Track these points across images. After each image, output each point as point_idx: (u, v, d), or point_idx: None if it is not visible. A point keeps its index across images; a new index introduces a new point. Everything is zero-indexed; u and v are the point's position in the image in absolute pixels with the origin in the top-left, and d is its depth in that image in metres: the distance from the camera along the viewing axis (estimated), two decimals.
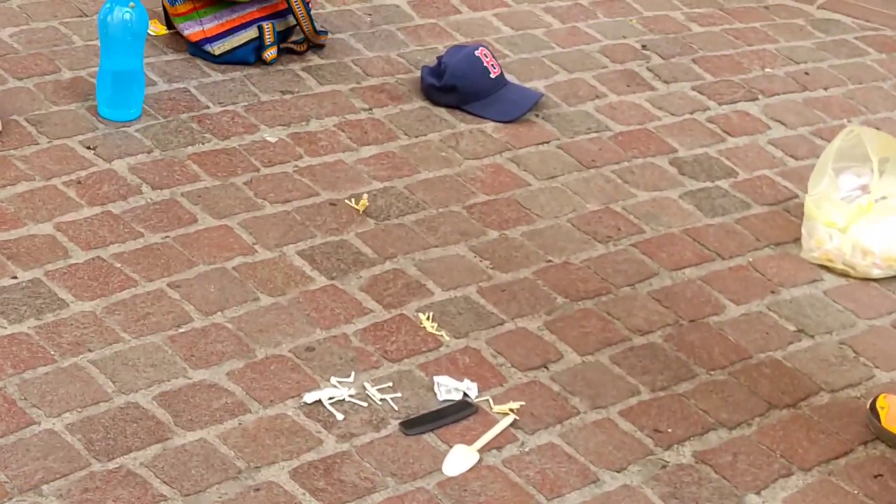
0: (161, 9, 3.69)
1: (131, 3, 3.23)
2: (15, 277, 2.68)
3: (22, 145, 3.15)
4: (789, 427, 2.64)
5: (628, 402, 2.67)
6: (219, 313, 2.70)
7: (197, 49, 3.63)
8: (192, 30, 3.60)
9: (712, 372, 2.77)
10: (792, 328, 2.97)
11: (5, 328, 2.54)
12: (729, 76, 3.97)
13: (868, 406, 2.68)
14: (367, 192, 3.18)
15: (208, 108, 3.44)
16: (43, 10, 3.73)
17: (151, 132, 3.29)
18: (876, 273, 3.12)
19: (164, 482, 2.25)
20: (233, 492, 2.27)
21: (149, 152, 3.21)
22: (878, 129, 3.60)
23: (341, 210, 3.12)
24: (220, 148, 3.28)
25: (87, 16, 3.72)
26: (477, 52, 3.60)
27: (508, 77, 3.69)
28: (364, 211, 3.12)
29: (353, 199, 3.14)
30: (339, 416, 2.49)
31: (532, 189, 3.31)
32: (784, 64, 4.12)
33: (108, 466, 2.25)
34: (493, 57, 3.66)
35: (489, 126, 3.54)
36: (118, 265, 2.78)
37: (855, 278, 3.14)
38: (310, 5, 3.71)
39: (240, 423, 2.45)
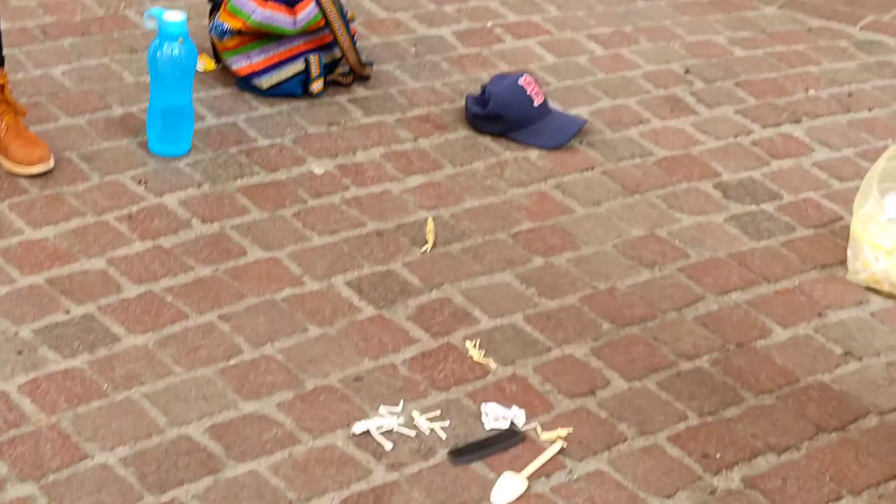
0: (209, 44, 3.73)
1: (180, 39, 3.27)
2: (68, 312, 2.71)
3: (75, 182, 3.19)
4: (838, 450, 2.61)
5: (676, 427, 2.66)
6: (268, 345, 2.72)
7: (245, 83, 3.66)
8: (239, 64, 3.64)
9: (760, 396, 2.75)
10: (839, 351, 2.94)
11: (59, 363, 2.57)
12: (772, 99, 3.95)
13: None
14: (416, 221, 3.21)
15: (256, 141, 3.47)
16: (94, 48, 3.79)
17: (201, 166, 3.33)
18: None
19: None
20: None
21: (198, 186, 3.24)
22: None
23: (388, 240, 3.13)
24: (268, 180, 3.31)
25: (136, 52, 3.77)
26: (521, 81, 3.60)
27: (552, 104, 3.70)
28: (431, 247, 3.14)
29: (407, 235, 3.15)
30: (388, 446, 2.49)
31: (577, 216, 3.31)
32: (827, 86, 4.09)
33: (161, 499, 2.26)
34: (538, 84, 3.67)
35: (534, 154, 3.54)
36: (169, 299, 2.80)
37: None
38: (355, 37, 3.74)
39: (290, 454, 2.46)
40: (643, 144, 3.65)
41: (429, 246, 3.12)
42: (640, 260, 3.16)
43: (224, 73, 3.73)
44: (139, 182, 3.23)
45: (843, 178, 3.58)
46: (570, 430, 2.59)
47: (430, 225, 3.16)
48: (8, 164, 3.18)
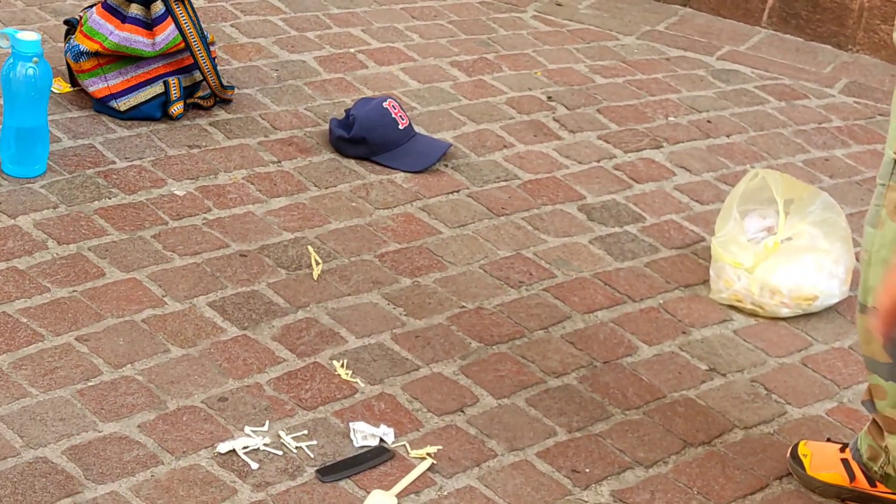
0: (65, 66, 3.67)
1: (34, 59, 3.21)
2: None
3: None
4: (705, 464, 2.65)
5: (545, 443, 2.67)
6: (129, 366, 2.67)
7: (102, 105, 3.62)
8: (96, 86, 3.59)
9: (627, 412, 2.78)
10: (704, 367, 2.99)
11: None
12: (633, 125, 4.03)
13: (789, 454, 2.71)
14: (281, 242, 3.19)
15: (114, 163, 3.42)
16: None
17: (57, 188, 3.27)
18: (784, 312, 3.17)
19: None
20: None
21: (54, 208, 3.18)
22: (784, 171, 3.68)
23: (252, 261, 3.11)
24: (127, 202, 3.26)
25: None
26: (385, 104, 3.62)
27: (417, 129, 3.71)
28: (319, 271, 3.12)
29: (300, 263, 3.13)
30: (254, 465, 2.47)
31: (443, 237, 3.33)
32: (687, 113, 4.19)
33: None
34: (402, 108, 3.68)
35: (399, 176, 3.55)
36: (24, 320, 2.73)
37: (763, 317, 3.19)
38: (216, 60, 3.73)
39: (152, 475, 2.41)
40: (508, 168, 3.69)
41: (315, 263, 3.12)
42: (506, 280, 3.18)
43: (80, 96, 3.68)
44: None
45: (704, 201, 3.66)
46: (440, 447, 2.59)
47: (313, 254, 3.15)
48: None
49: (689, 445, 2.71)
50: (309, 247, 3.19)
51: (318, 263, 3.13)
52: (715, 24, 4.92)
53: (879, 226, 2.31)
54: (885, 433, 2.54)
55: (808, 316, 3.20)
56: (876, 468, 2.60)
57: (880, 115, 4.36)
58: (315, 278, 3.08)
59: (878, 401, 2.46)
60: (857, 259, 3.29)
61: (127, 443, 2.47)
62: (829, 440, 2.75)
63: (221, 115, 3.72)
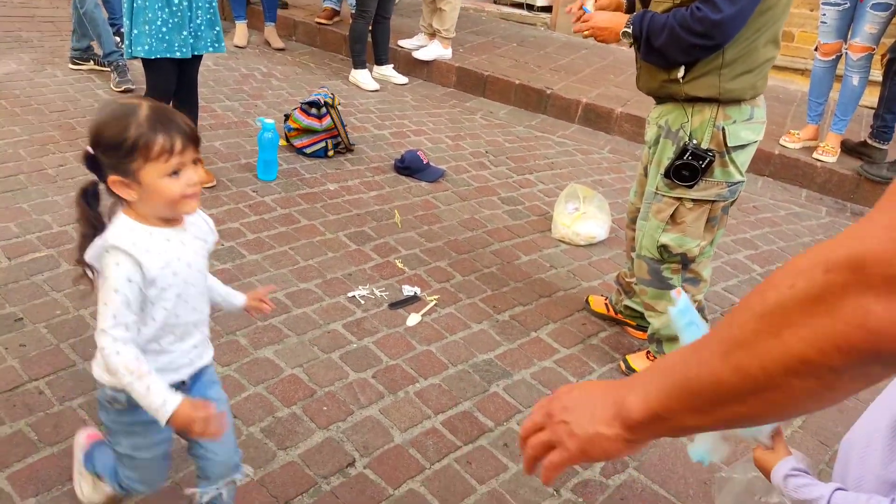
0: (284, 133, 3.64)
1: (271, 131, 3.21)
2: None
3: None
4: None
5: (482, 295, 2.55)
6: (311, 260, 2.62)
7: (300, 151, 3.60)
8: (298, 142, 3.59)
9: (515, 282, 2.65)
10: (547, 264, 2.81)
11: None
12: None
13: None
14: (378, 210, 3.07)
15: (303, 175, 3.37)
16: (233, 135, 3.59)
17: (280, 184, 3.23)
18: (581, 243, 3.07)
19: None
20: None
21: (279, 193, 3.14)
22: (583, 185, 3.52)
23: (363, 216, 3.01)
24: (308, 192, 3.19)
25: (252, 135, 3.65)
26: (418, 152, 3.58)
27: (431, 163, 3.63)
28: (399, 220, 2.98)
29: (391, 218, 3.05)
30: (362, 302, 2.46)
31: (441, 209, 3.20)
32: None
33: None
34: (425, 153, 3.63)
35: (423, 183, 3.44)
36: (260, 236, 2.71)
37: (573, 245, 3.07)
38: (348, 132, 3.69)
39: (320, 306, 2.35)
40: (467, 180, 3.54)
41: (398, 221, 3.03)
42: (480, 208, 3.07)
43: (290, 148, 3.63)
44: (255, 192, 3.11)
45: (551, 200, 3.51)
46: (438, 296, 2.55)
47: (397, 215, 3.07)
48: None
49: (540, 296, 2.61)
50: (395, 210, 3.10)
51: (399, 218, 3.05)
52: None
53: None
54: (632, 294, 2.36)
55: (591, 245, 3.10)
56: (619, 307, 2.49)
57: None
58: (399, 225, 2.99)
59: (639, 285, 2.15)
60: (613, 222, 3.20)
61: (316, 294, 2.48)
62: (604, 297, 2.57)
63: (349, 156, 3.65)
